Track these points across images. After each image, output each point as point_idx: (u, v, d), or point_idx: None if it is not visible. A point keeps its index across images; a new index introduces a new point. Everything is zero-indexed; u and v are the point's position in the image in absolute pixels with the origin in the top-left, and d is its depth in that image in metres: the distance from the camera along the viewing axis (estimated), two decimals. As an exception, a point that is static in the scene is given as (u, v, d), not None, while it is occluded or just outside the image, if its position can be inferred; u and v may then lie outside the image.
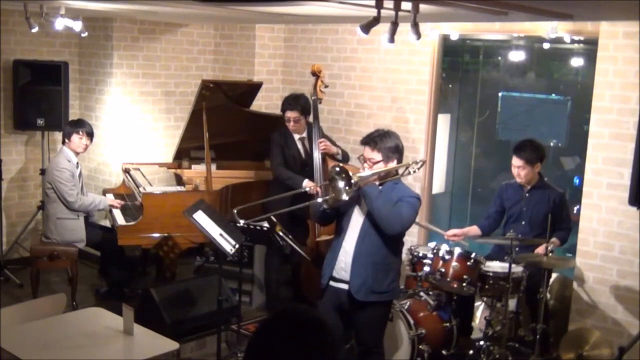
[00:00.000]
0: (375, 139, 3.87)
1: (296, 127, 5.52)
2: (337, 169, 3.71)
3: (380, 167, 3.86)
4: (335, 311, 3.95)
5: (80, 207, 5.55)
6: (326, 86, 5.37)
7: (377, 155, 3.85)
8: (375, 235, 3.82)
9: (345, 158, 5.52)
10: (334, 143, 5.59)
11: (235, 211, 4.38)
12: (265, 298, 5.88)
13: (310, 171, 5.44)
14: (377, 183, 3.84)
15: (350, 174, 3.68)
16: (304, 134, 5.61)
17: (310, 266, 5.38)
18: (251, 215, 5.42)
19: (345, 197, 3.68)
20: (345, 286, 3.91)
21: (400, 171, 3.98)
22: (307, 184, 5.28)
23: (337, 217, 4.03)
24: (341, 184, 3.69)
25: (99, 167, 6.88)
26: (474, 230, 5.16)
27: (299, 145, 5.61)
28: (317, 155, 5.33)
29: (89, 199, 5.64)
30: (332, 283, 3.98)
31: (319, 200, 3.97)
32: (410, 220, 3.86)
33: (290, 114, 5.48)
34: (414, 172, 4.04)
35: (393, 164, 3.89)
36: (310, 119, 5.55)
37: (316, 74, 5.29)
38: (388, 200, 3.80)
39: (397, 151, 3.89)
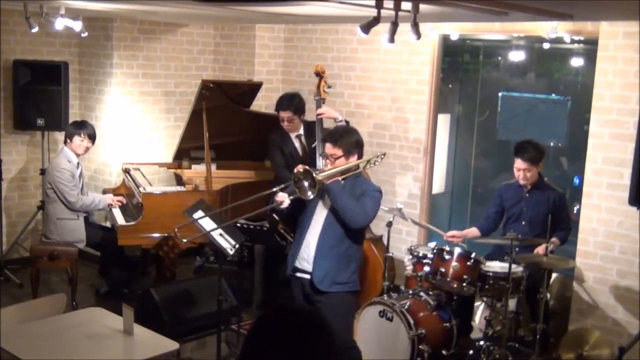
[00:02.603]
0: (335, 136, 4.01)
1: (290, 126, 5.54)
2: (301, 170, 3.83)
3: (342, 163, 3.98)
4: (303, 300, 4.06)
5: (81, 207, 5.55)
6: (329, 87, 5.39)
7: (338, 151, 3.97)
8: (338, 228, 3.94)
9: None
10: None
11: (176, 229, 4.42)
12: (265, 298, 5.88)
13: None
14: (340, 179, 3.94)
15: (314, 174, 3.80)
16: (301, 131, 5.63)
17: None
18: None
19: (311, 195, 3.81)
20: (307, 276, 4.02)
21: (362, 165, 4.09)
22: None
23: (297, 215, 4.12)
24: (306, 183, 3.81)
25: (99, 167, 6.88)
26: (473, 232, 5.16)
27: (297, 144, 5.62)
28: (320, 164, 5.33)
29: (89, 199, 5.65)
30: (295, 273, 4.08)
31: (285, 205, 4.02)
32: (373, 214, 3.97)
33: (283, 114, 5.49)
34: (375, 163, 4.16)
35: (354, 159, 4.02)
36: (310, 118, 5.55)
37: (320, 74, 5.30)
38: (351, 195, 3.92)
39: (357, 146, 4.03)
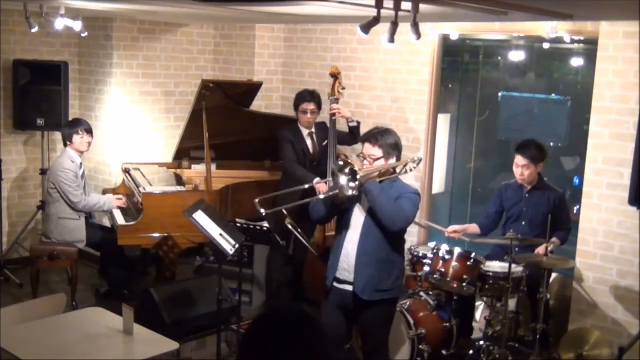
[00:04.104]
0: (376, 136, 3.86)
1: (311, 119, 5.59)
2: (341, 163, 3.68)
3: (381, 164, 3.85)
4: (340, 311, 3.95)
5: (84, 207, 5.55)
6: (344, 88, 5.42)
7: (378, 152, 3.84)
8: (378, 233, 3.79)
9: (358, 129, 5.50)
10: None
11: (257, 201, 4.13)
12: (265, 298, 5.88)
13: (319, 167, 5.48)
14: (377, 180, 3.82)
15: (356, 168, 3.64)
16: (313, 129, 5.65)
17: (315, 265, 5.39)
18: (257, 212, 5.43)
19: (350, 192, 3.64)
20: (349, 287, 3.88)
21: (399, 169, 3.98)
22: (317, 183, 5.29)
23: (336, 214, 4.00)
24: (344, 179, 3.65)
25: (99, 167, 6.87)
26: (473, 227, 5.16)
27: (308, 141, 5.65)
28: (332, 164, 5.35)
29: (94, 200, 5.64)
30: (336, 284, 3.95)
31: (321, 196, 3.95)
32: (412, 216, 3.83)
33: (307, 106, 5.56)
34: (412, 169, 4.04)
35: (393, 161, 3.89)
36: (320, 118, 5.62)
37: (335, 76, 5.38)
38: (389, 196, 3.78)
39: (396, 148, 3.90)
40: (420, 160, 4.16)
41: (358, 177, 3.62)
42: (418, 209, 3.89)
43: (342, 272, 3.90)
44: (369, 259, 3.82)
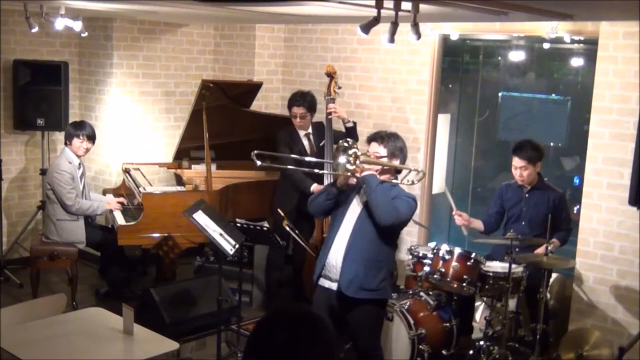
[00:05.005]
0: (383, 136, 3.94)
1: (302, 123, 5.58)
2: (346, 144, 3.71)
3: (385, 161, 3.89)
4: (327, 314, 3.89)
5: (77, 211, 5.52)
6: (340, 87, 5.41)
7: (382, 151, 3.89)
8: (370, 229, 3.80)
9: (355, 130, 5.50)
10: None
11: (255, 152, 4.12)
12: (265, 298, 5.88)
13: (316, 167, 5.47)
14: (377, 175, 3.84)
15: (359, 153, 3.69)
16: (310, 130, 5.65)
17: (314, 266, 5.39)
18: (256, 212, 5.44)
19: (345, 174, 3.71)
20: (334, 286, 3.88)
21: (400, 176, 4.00)
22: (315, 189, 5.28)
23: (333, 209, 4.00)
24: (343, 159, 3.70)
25: (99, 168, 6.87)
26: (478, 224, 5.14)
27: (305, 142, 5.64)
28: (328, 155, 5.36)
29: (86, 204, 5.60)
30: (322, 281, 3.96)
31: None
32: (405, 216, 3.83)
33: (297, 110, 5.54)
34: (414, 182, 4.03)
35: (396, 164, 3.93)
36: (318, 118, 5.61)
37: (330, 75, 5.35)
38: (386, 193, 3.80)
39: (401, 152, 3.95)
40: (424, 175, 4.16)
41: (358, 161, 3.68)
42: (412, 213, 3.90)
43: (330, 268, 3.90)
44: (357, 255, 3.82)
